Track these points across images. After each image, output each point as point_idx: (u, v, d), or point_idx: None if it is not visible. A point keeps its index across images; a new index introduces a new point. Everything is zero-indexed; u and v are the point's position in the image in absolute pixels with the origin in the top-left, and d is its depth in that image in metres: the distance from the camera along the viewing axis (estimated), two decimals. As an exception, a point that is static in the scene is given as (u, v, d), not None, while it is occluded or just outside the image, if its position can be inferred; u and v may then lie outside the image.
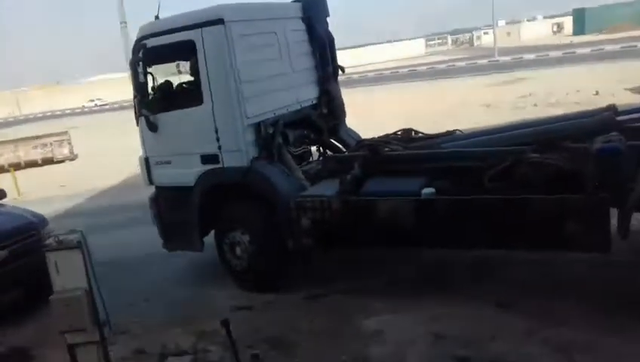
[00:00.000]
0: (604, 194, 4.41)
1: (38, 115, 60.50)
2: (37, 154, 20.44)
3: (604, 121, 5.31)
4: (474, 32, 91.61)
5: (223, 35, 5.70)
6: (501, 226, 4.84)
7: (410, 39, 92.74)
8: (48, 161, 20.39)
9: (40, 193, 13.89)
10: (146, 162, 6.60)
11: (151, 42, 6.07)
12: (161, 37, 6.07)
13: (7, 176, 15.76)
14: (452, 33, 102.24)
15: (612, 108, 5.61)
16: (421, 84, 31.75)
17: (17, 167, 17.87)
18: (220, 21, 5.70)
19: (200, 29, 5.80)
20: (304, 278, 6.33)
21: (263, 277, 6.14)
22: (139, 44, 6.11)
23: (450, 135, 6.48)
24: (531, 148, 5.10)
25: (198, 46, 5.83)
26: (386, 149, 6.12)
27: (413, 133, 6.81)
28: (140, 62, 6.05)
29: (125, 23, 16.05)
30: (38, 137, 21.20)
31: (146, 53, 6.06)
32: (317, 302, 5.72)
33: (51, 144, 20.65)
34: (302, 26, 6.89)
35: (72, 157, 20.98)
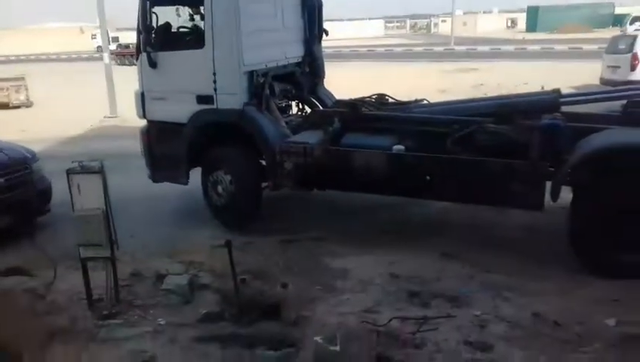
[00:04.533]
0: (543, 163, 5.36)
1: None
2: (-7, 98, 19.90)
3: (552, 101, 6.24)
4: (432, 19, 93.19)
5: None
6: (458, 182, 5.76)
7: (368, 19, 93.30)
8: (4, 106, 19.88)
9: (1, 135, 13.81)
10: (142, 97, 7.09)
11: None
12: None
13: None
14: (411, 17, 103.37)
15: (558, 92, 6.48)
16: (380, 64, 32.50)
17: (-28, 108, 17.50)
18: None
19: None
20: (279, 225, 7.06)
21: (239, 215, 6.85)
22: None
23: (419, 102, 7.34)
24: (490, 119, 5.99)
25: None
26: (364, 109, 6.90)
27: (386, 98, 7.58)
28: (148, 1, 6.53)
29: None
30: (-6, 81, 20.60)
31: None
32: (291, 245, 6.42)
33: (8, 89, 20.13)
34: None
35: (28, 104, 20.57)
